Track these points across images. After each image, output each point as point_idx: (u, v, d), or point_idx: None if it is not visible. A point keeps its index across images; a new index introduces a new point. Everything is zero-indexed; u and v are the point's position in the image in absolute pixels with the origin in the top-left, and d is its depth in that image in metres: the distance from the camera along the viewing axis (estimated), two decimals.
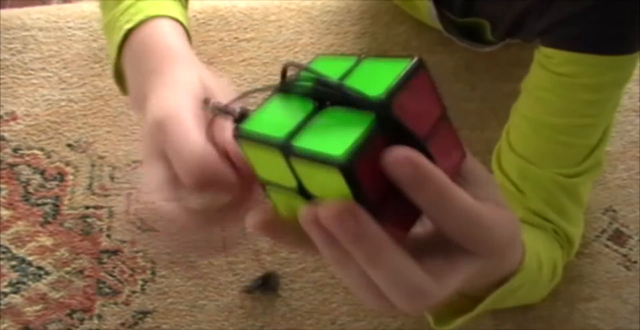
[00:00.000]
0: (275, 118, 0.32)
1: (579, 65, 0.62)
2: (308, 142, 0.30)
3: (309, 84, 0.32)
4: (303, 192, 0.32)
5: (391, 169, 0.29)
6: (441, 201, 0.30)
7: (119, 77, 0.56)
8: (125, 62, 0.53)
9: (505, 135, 0.70)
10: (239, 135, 0.33)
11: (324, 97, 0.31)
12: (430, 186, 0.29)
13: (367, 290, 0.32)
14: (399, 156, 0.29)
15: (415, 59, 0.31)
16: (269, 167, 0.32)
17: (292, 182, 0.32)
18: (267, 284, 0.76)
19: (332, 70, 0.32)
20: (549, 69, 0.64)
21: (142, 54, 0.51)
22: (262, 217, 0.34)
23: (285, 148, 0.30)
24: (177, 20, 0.54)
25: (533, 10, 0.65)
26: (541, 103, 0.66)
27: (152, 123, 0.43)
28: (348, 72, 0.32)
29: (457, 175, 0.34)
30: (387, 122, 0.29)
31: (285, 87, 0.33)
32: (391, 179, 0.29)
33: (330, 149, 0.28)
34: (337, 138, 0.29)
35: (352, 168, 0.28)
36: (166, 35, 0.52)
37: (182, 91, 0.44)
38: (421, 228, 0.35)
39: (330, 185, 0.29)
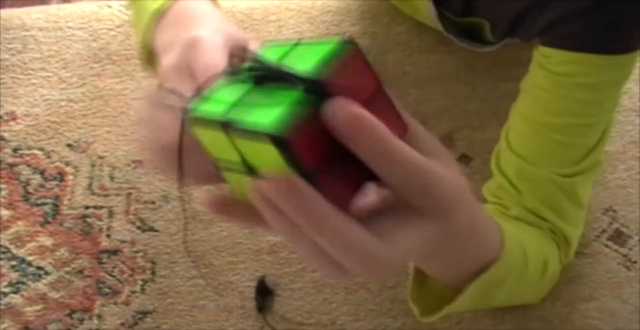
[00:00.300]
0: (219, 98, 0.34)
1: (576, 65, 0.62)
2: (242, 115, 0.31)
3: (251, 66, 0.34)
4: (250, 169, 0.33)
5: (333, 120, 0.30)
6: (385, 151, 0.31)
7: (147, 56, 0.55)
8: (158, 31, 0.53)
9: (505, 135, 0.70)
10: (187, 116, 0.34)
11: (264, 77, 0.33)
12: (373, 136, 0.30)
13: (320, 259, 0.33)
14: (341, 107, 0.30)
15: (344, 38, 0.32)
16: (217, 145, 0.34)
17: (237, 159, 0.33)
18: (263, 289, 0.76)
19: (274, 53, 0.34)
20: (547, 69, 0.64)
21: (178, 20, 0.52)
22: (214, 196, 0.35)
23: (224, 124, 0.32)
24: None
25: (532, 9, 0.65)
26: (539, 102, 0.66)
27: (184, 42, 0.45)
28: (286, 54, 0.34)
29: None
30: (320, 96, 0.30)
31: (231, 71, 0.36)
32: (329, 144, 0.31)
33: (261, 120, 0.30)
34: (268, 111, 0.30)
35: (283, 138, 0.29)
36: (200, 6, 0.53)
37: (213, 30, 0.47)
38: (367, 198, 0.35)
39: (268, 158, 0.31)
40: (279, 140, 0.29)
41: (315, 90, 0.31)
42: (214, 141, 0.34)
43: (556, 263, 0.69)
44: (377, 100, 0.33)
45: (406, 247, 0.33)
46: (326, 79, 0.31)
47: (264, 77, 0.33)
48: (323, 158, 0.31)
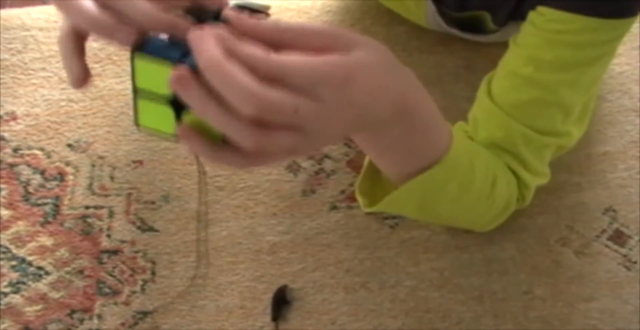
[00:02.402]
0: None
1: (567, 24, 0.63)
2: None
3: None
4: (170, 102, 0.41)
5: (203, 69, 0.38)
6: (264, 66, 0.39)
7: None
8: None
9: (486, 82, 0.70)
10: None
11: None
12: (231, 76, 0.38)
13: (235, 121, 0.39)
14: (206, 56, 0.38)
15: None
16: (152, 77, 0.41)
17: (165, 92, 0.41)
18: (280, 299, 0.76)
19: None
20: (538, 25, 0.65)
21: None
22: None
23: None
24: None
25: None
26: (523, 56, 0.66)
27: None
28: None
29: None
30: None
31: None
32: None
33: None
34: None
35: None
36: None
37: None
38: None
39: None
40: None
41: None
42: (151, 73, 0.41)
43: (505, 188, 0.68)
44: None
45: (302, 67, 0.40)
46: None
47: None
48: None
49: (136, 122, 0.44)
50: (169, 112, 0.41)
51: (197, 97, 0.38)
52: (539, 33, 0.65)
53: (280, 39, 0.41)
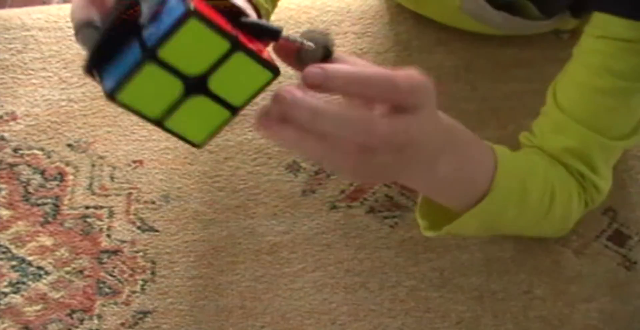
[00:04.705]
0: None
1: (634, 31, 0.63)
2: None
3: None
4: (191, 89, 0.40)
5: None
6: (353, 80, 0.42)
7: None
8: None
9: (551, 95, 0.70)
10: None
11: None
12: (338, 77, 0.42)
13: (329, 151, 0.41)
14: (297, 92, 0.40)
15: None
16: (158, 89, 0.40)
17: (179, 87, 0.39)
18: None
19: None
20: (600, 35, 0.65)
21: None
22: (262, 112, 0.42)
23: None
24: None
25: None
26: (591, 66, 0.66)
27: None
28: None
29: None
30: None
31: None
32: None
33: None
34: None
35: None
36: None
37: None
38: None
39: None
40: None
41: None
42: (155, 87, 0.39)
43: (567, 197, 0.69)
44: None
45: (397, 129, 0.42)
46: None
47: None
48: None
49: (110, 93, 0.40)
50: (176, 91, 0.39)
51: (294, 138, 0.41)
52: (608, 42, 0.64)
53: (347, 91, 0.43)
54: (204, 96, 0.40)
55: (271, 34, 0.43)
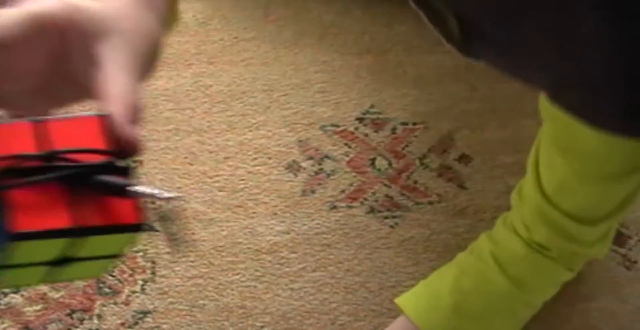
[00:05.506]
0: None
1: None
2: None
3: None
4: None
5: None
6: None
7: None
8: None
9: (532, 169, 0.68)
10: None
11: None
12: None
13: None
14: None
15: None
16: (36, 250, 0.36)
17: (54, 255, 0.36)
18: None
19: None
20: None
21: None
22: None
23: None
24: None
25: None
26: (582, 156, 0.64)
27: None
28: None
29: None
30: None
31: None
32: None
33: None
34: None
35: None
36: None
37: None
38: None
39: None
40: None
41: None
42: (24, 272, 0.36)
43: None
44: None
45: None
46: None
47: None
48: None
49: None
50: (42, 271, 0.37)
51: None
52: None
53: None
54: (78, 261, 0.38)
55: (117, 192, 0.37)
